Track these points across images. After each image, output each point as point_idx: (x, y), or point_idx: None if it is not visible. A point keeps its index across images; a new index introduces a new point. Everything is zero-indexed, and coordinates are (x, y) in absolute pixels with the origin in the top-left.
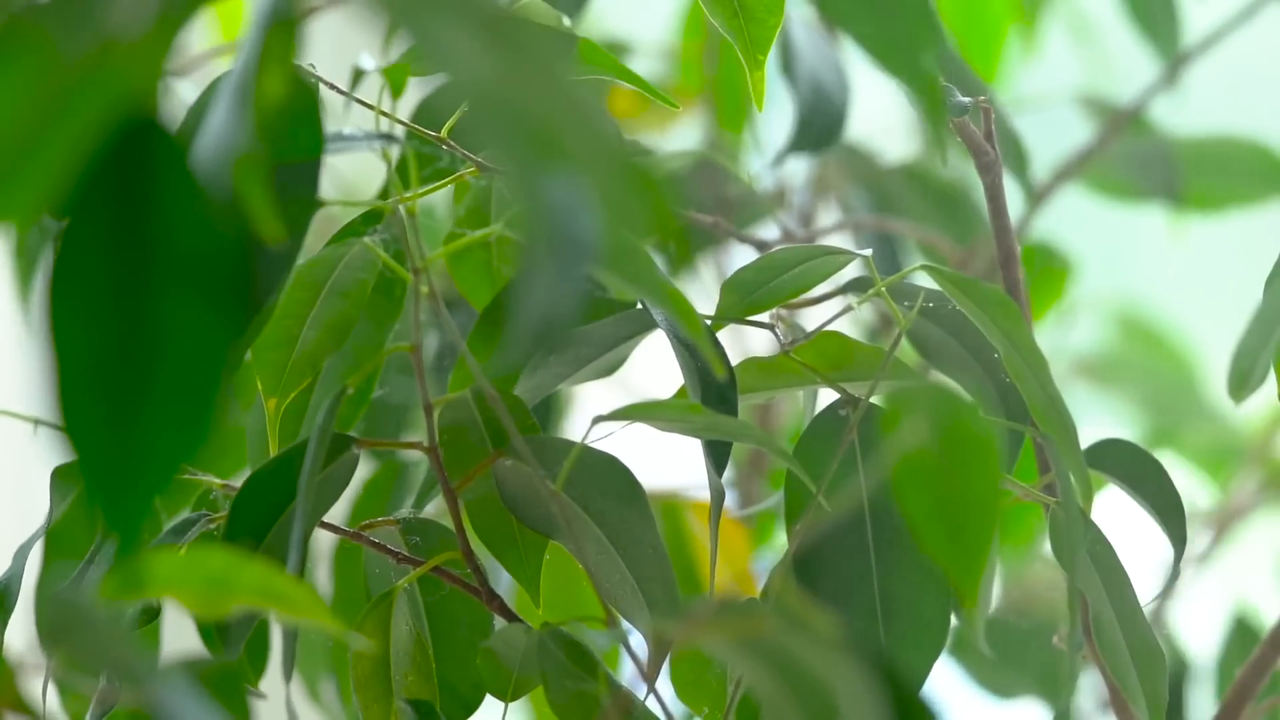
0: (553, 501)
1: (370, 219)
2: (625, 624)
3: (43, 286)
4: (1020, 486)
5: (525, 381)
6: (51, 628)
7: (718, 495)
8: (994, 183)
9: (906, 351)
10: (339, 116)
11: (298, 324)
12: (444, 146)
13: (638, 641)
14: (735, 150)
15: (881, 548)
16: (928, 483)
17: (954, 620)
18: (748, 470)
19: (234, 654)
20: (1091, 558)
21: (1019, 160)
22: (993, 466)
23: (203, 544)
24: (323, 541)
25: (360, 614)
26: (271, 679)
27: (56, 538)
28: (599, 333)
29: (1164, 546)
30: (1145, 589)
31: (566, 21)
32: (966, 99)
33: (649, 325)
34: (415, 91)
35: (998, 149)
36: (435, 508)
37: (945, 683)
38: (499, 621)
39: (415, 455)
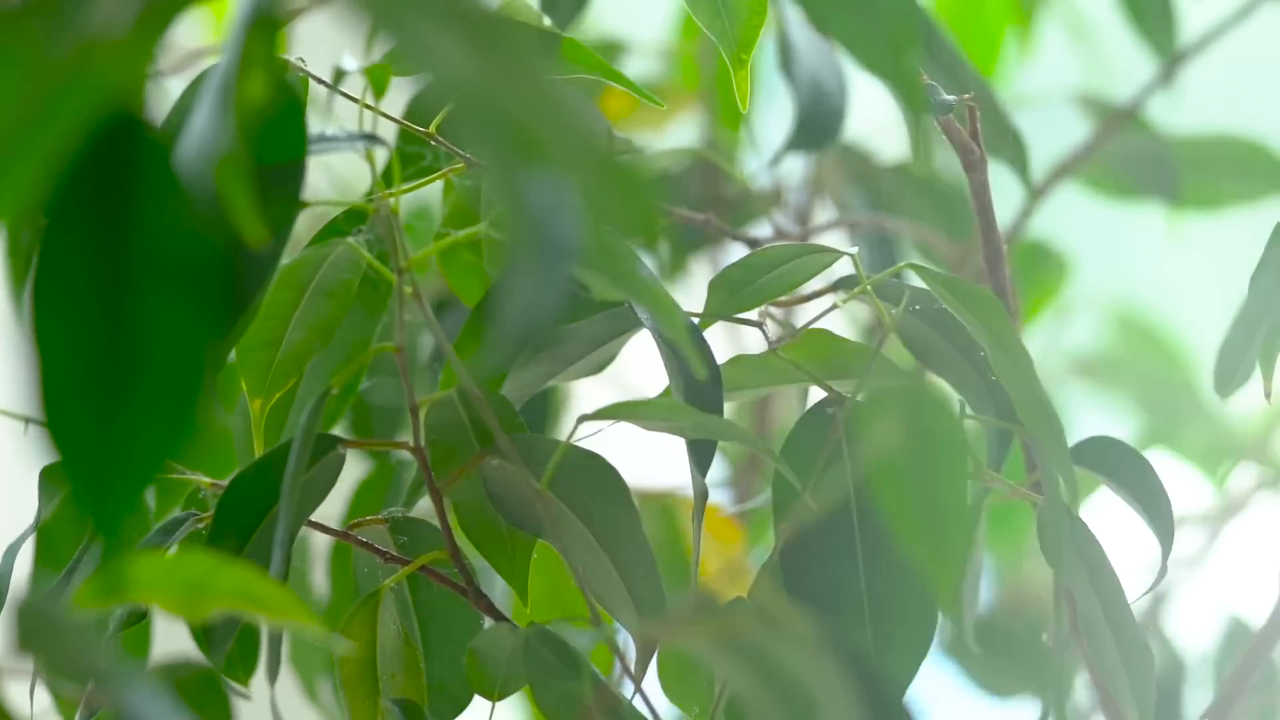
0: (538, 501)
1: (356, 218)
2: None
3: (28, 284)
4: (1007, 485)
5: (513, 380)
6: (25, 634)
7: (700, 494)
8: (979, 180)
9: (902, 350)
10: (328, 114)
11: (282, 324)
12: (432, 143)
13: (626, 640)
14: (732, 149)
15: (868, 546)
16: (901, 482)
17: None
18: (745, 467)
19: (219, 656)
20: (1080, 557)
21: (1019, 157)
22: (962, 465)
23: (191, 544)
24: (320, 542)
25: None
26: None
27: (46, 536)
28: (586, 331)
29: (1154, 545)
30: (1138, 588)
31: (547, 21)
32: (951, 97)
33: (635, 323)
34: (404, 89)
35: (983, 147)
36: (425, 507)
37: (942, 681)
38: (489, 621)
39: (410, 455)
